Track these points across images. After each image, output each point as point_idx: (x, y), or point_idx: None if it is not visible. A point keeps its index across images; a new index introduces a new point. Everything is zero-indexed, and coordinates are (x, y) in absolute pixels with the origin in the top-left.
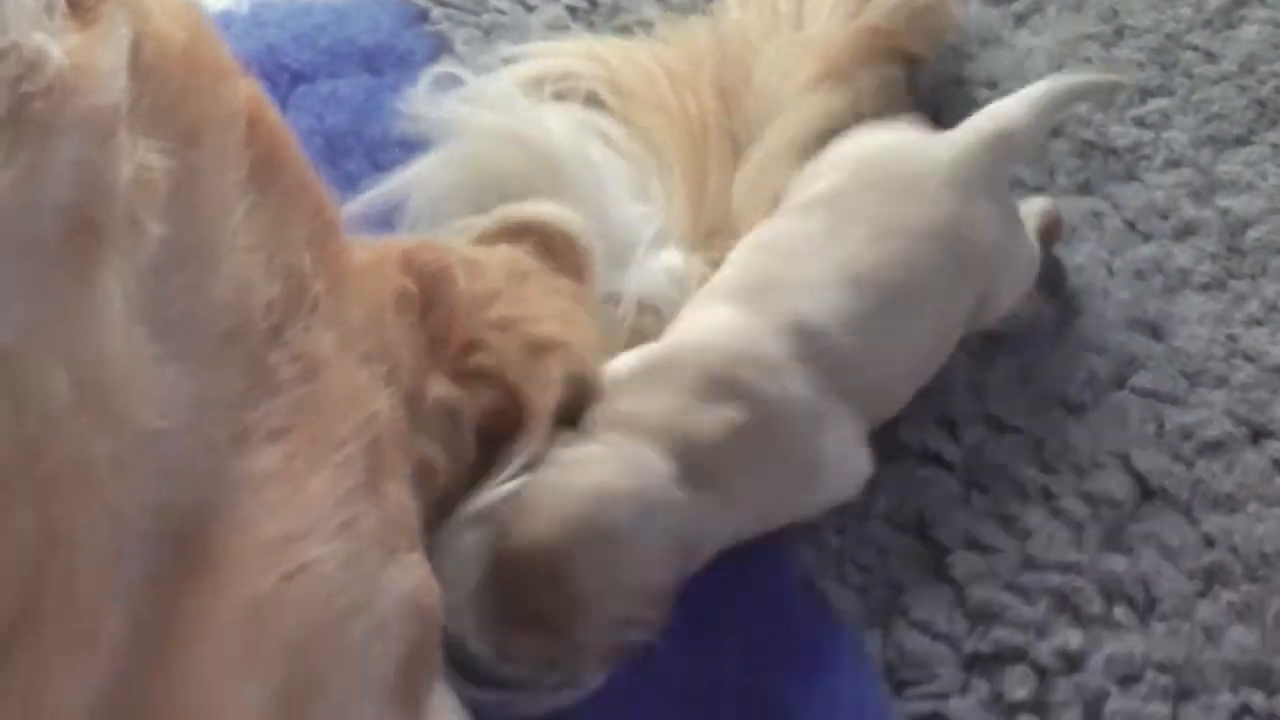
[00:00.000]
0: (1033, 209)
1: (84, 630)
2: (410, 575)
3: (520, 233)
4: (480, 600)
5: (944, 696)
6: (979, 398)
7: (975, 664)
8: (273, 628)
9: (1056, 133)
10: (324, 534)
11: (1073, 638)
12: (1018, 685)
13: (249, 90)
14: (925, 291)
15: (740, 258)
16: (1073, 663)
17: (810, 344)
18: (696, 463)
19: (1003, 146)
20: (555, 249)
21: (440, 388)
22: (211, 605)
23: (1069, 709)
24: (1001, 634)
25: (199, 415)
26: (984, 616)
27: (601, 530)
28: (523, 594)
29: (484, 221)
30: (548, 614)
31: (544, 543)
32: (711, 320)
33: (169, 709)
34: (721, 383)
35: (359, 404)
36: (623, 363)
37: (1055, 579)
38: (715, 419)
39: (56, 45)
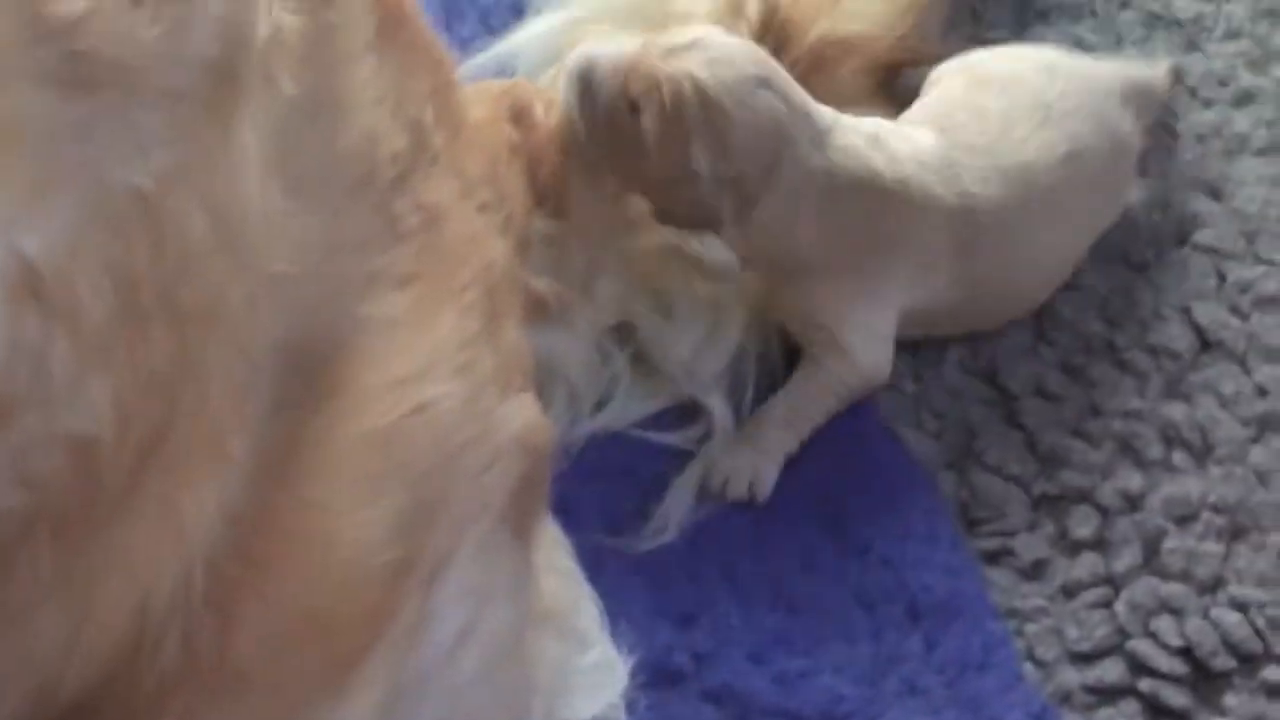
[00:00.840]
0: None
1: (214, 453)
2: (523, 412)
3: None
4: None
5: (1012, 534)
6: None
7: (1042, 504)
8: (396, 457)
9: (1124, 4)
10: (446, 373)
11: (1133, 480)
12: (1081, 524)
13: None
14: (1096, 156)
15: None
16: (1133, 503)
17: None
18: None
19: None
20: None
21: (543, 224)
22: (339, 435)
23: (1128, 546)
24: (1067, 476)
25: (328, 261)
26: (1051, 460)
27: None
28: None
29: None
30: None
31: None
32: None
33: (295, 528)
34: None
35: (478, 251)
36: None
37: (1118, 425)
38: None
39: None
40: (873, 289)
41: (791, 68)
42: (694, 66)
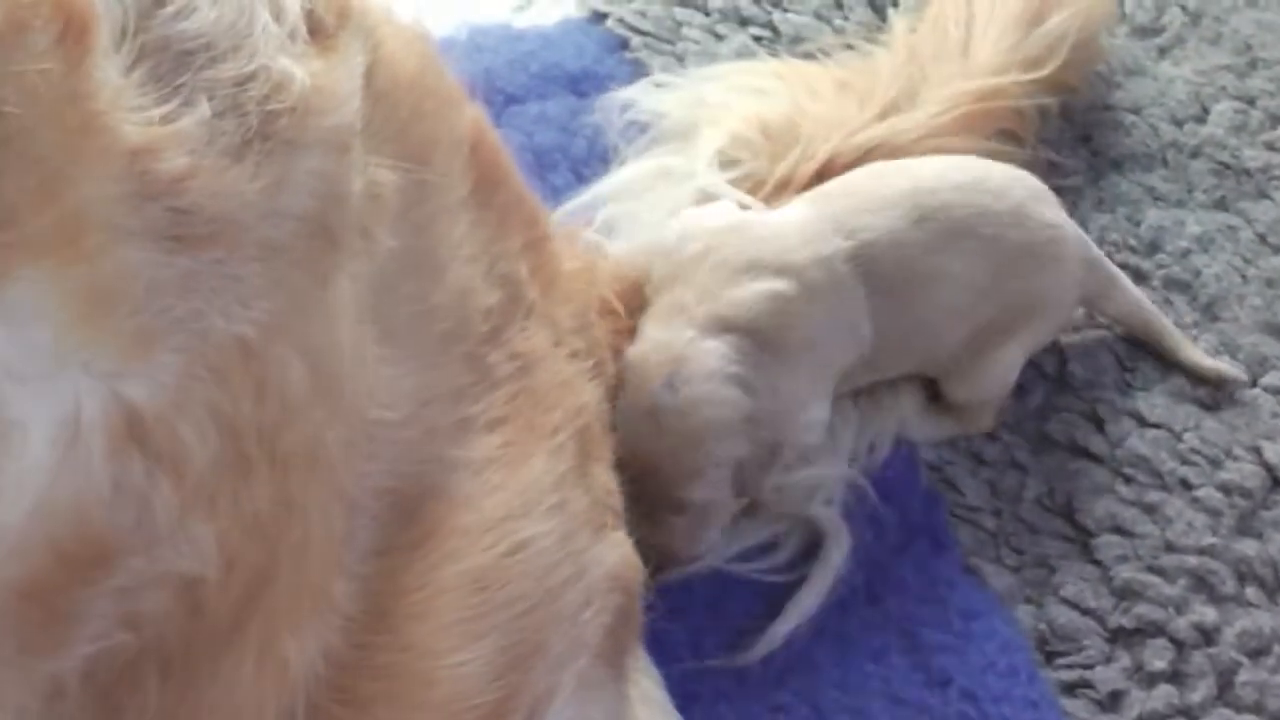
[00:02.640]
0: None
1: (315, 594)
2: (616, 550)
3: None
4: None
5: (1090, 666)
6: (1124, 395)
7: (1119, 637)
8: (495, 598)
9: (1195, 154)
10: (540, 513)
11: (1208, 614)
12: (1157, 657)
13: (473, 114)
14: (982, 252)
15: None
16: (1208, 637)
17: (860, 252)
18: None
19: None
20: None
21: None
22: (437, 578)
23: (1204, 679)
24: (1143, 610)
25: (423, 408)
26: (1128, 594)
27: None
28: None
29: None
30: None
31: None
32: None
33: (395, 670)
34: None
35: (569, 395)
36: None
37: (1192, 561)
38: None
39: (300, 68)
40: (821, 384)
41: None
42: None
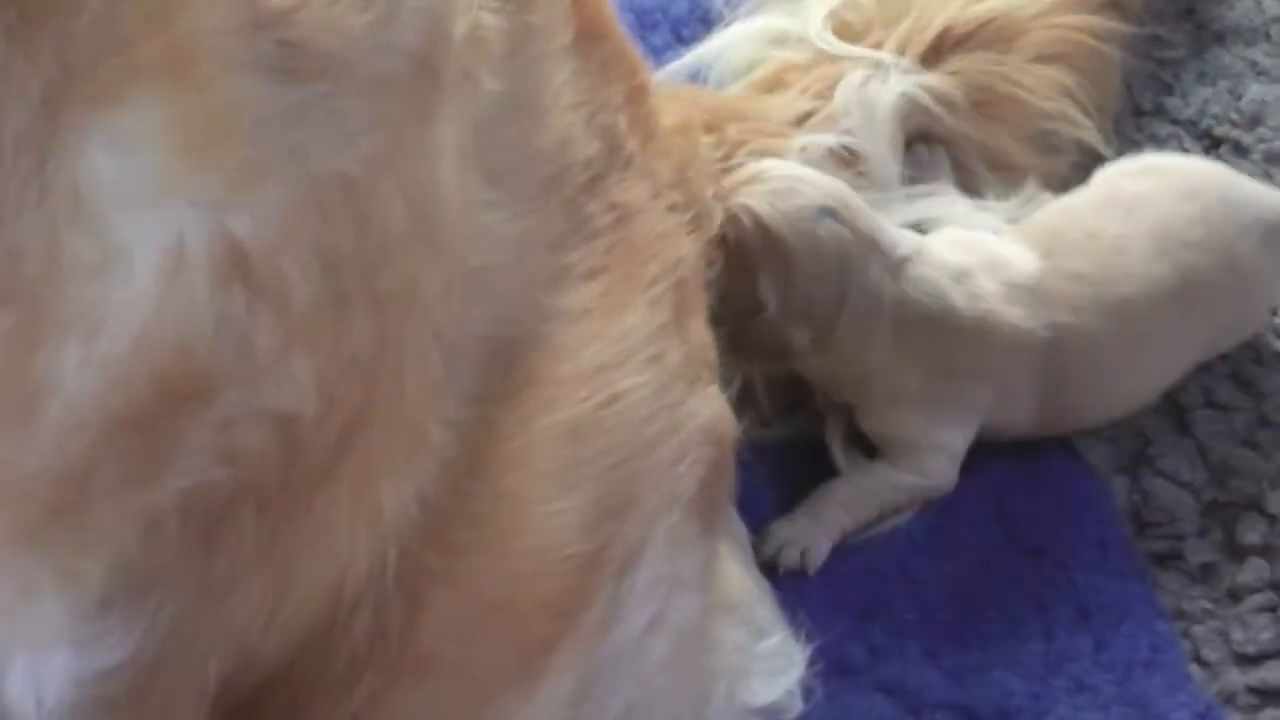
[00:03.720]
0: None
1: (412, 438)
2: (710, 405)
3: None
4: None
5: (1182, 538)
6: None
7: (1212, 510)
8: (590, 449)
9: None
10: (636, 365)
11: None
12: (1249, 530)
13: None
14: (1185, 312)
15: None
16: None
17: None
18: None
19: None
20: None
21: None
22: (533, 426)
23: None
24: (1237, 484)
25: (522, 254)
26: (1221, 468)
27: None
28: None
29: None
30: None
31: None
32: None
33: (489, 517)
34: None
35: (667, 248)
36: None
37: None
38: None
39: None
40: (951, 414)
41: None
42: (754, 201)
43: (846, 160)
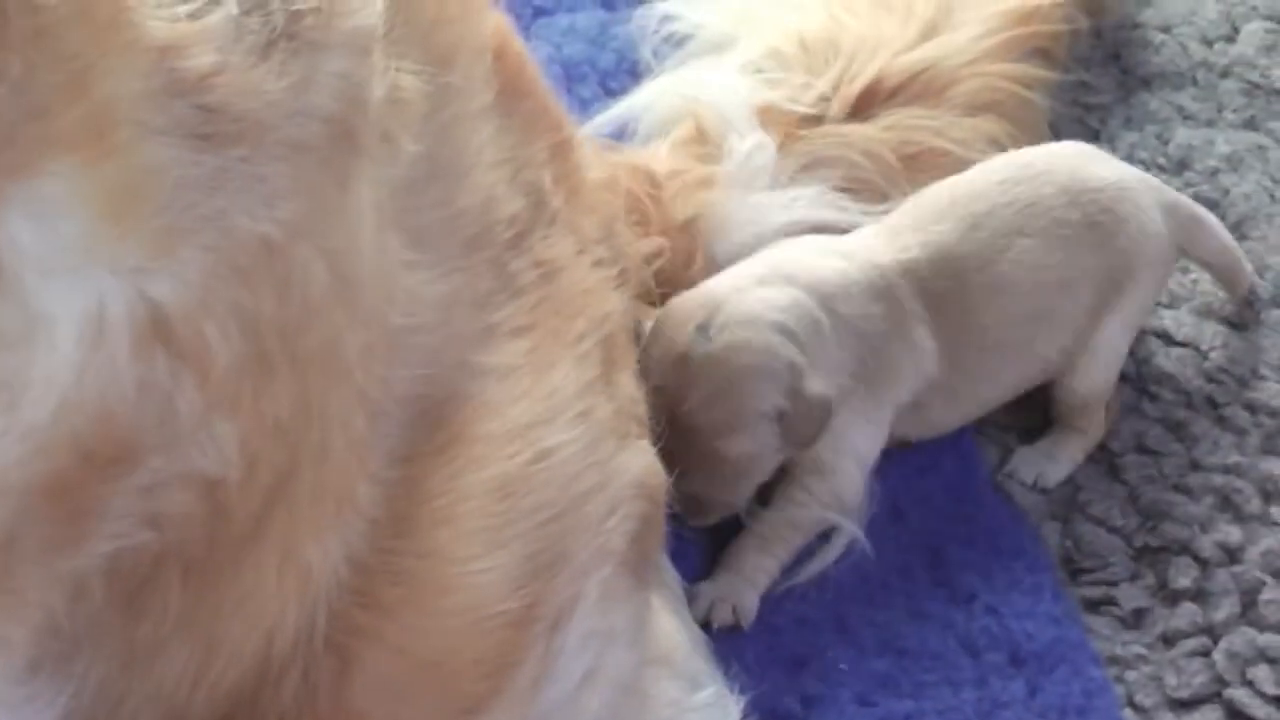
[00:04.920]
0: None
1: (338, 499)
2: (640, 458)
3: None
4: None
5: (1114, 583)
6: (1151, 314)
7: (1144, 555)
8: (520, 504)
9: (1225, 73)
10: (565, 421)
11: (1232, 533)
12: (1181, 575)
13: (496, 22)
14: (1045, 244)
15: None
16: (1232, 555)
17: (910, 271)
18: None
19: (1194, 219)
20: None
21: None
22: (461, 484)
23: (1227, 597)
24: (1168, 528)
25: (447, 314)
26: (1153, 513)
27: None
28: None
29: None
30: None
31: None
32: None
33: (417, 576)
34: None
35: (594, 303)
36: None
37: (1218, 480)
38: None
39: None
40: (874, 410)
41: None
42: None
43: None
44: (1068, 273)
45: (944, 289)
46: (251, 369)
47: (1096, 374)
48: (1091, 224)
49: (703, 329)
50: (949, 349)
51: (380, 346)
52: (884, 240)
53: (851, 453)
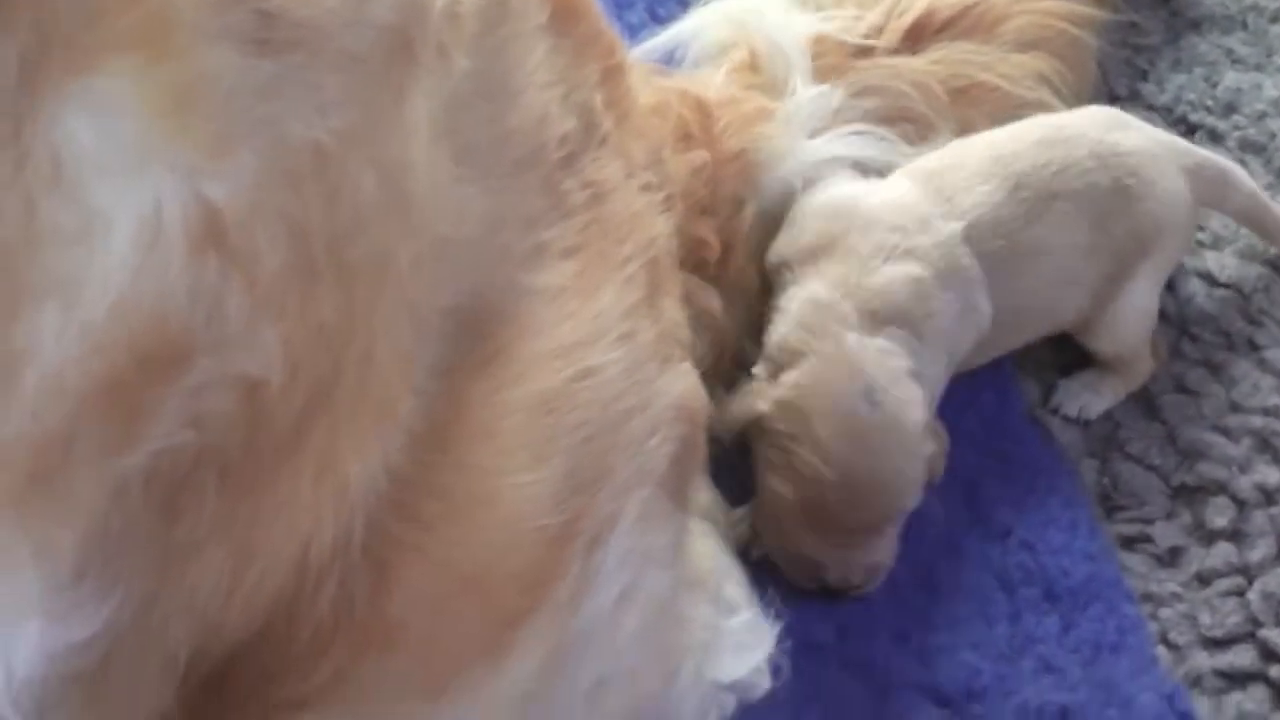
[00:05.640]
0: None
1: (379, 410)
2: (682, 381)
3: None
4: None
5: (1150, 522)
6: (1194, 255)
7: (1180, 494)
8: (562, 421)
9: (1275, 18)
10: (609, 342)
11: (1271, 475)
12: (1218, 515)
13: None
14: (1077, 206)
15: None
16: (1269, 497)
17: (971, 232)
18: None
19: (1214, 165)
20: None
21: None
22: (504, 400)
23: (1263, 538)
24: (1206, 469)
25: (495, 230)
26: (1191, 453)
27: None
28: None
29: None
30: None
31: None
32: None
33: (458, 490)
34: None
35: (641, 227)
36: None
37: (1257, 421)
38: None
39: None
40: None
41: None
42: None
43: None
44: (1096, 237)
45: (995, 250)
46: (299, 275)
47: (1125, 333)
48: (1119, 189)
49: (868, 400)
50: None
51: (428, 259)
52: (934, 201)
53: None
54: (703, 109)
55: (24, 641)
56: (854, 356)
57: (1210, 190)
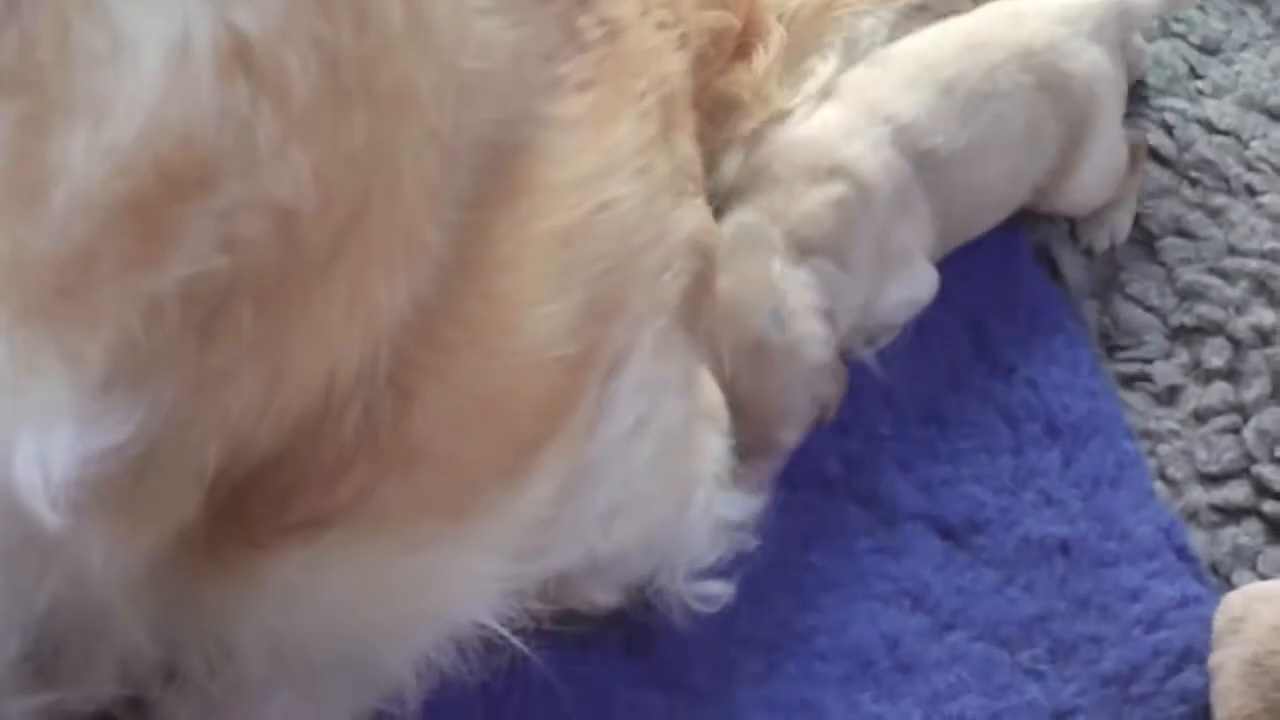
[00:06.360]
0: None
1: (408, 237)
2: (695, 215)
3: None
4: None
5: (1149, 361)
6: (1194, 102)
7: (1179, 334)
8: (580, 253)
9: None
10: (626, 175)
11: (1266, 316)
12: (1215, 355)
13: None
14: (1011, 105)
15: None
16: (1265, 338)
17: (901, 135)
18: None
19: (1119, 10)
20: None
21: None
22: (525, 231)
23: (1258, 378)
24: (1204, 310)
25: (516, 62)
26: (1189, 294)
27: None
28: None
29: None
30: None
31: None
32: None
33: (480, 317)
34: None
35: (655, 63)
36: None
37: (1253, 264)
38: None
39: None
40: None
41: None
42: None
43: None
44: (1033, 133)
45: (932, 148)
46: (328, 100)
47: (1095, 192)
48: (1043, 85)
49: (775, 319)
50: (941, 207)
51: (452, 88)
52: (863, 118)
53: (900, 305)
54: None
55: (59, 444)
56: (773, 279)
57: (1122, 33)
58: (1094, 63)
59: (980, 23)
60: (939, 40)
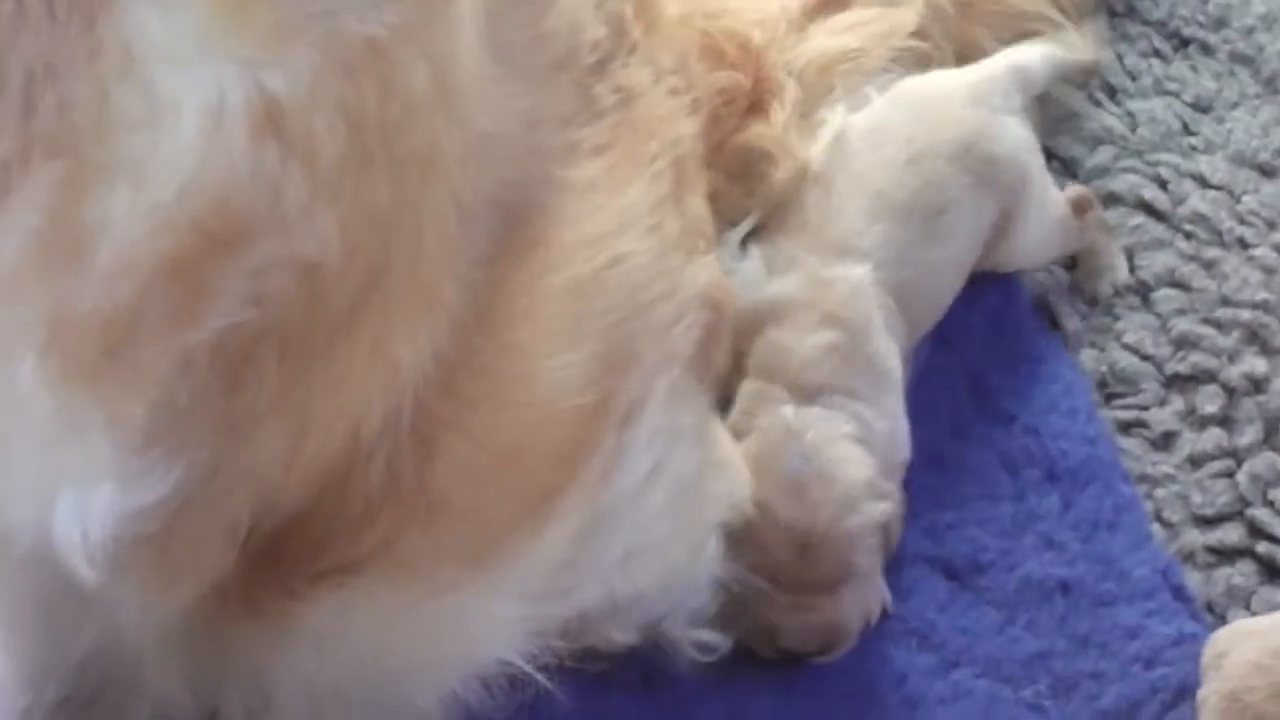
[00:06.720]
0: (1066, 192)
1: (428, 295)
2: (706, 271)
3: None
4: None
5: (1146, 408)
6: (1187, 158)
7: (1174, 382)
8: (593, 307)
9: None
10: (638, 233)
11: (1259, 364)
12: (1209, 402)
13: None
14: (960, 210)
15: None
16: (1257, 385)
17: (879, 272)
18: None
19: (1018, 76)
20: None
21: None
22: (540, 286)
23: (1251, 424)
24: (1198, 358)
25: (532, 128)
26: (1184, 343)
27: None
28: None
29: None
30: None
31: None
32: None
33: (498, 370)
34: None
35: (667, 127)
36: None
37: (1246, 315)
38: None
39: None
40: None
41: None
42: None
43: None
44: (976, 223)
45: (907, 277)
46: (354, 163)
47: (1044, 248)
48: (981, 180)
49: (801, 457)
50: (909, 315)
51: (473, 151)
52: (829, 258)
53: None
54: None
55: (98, 503)
56: (790, 424)
57: (1025, 98)
58: (1014, 136)
59: (902, 130)
60: (886, 162)
